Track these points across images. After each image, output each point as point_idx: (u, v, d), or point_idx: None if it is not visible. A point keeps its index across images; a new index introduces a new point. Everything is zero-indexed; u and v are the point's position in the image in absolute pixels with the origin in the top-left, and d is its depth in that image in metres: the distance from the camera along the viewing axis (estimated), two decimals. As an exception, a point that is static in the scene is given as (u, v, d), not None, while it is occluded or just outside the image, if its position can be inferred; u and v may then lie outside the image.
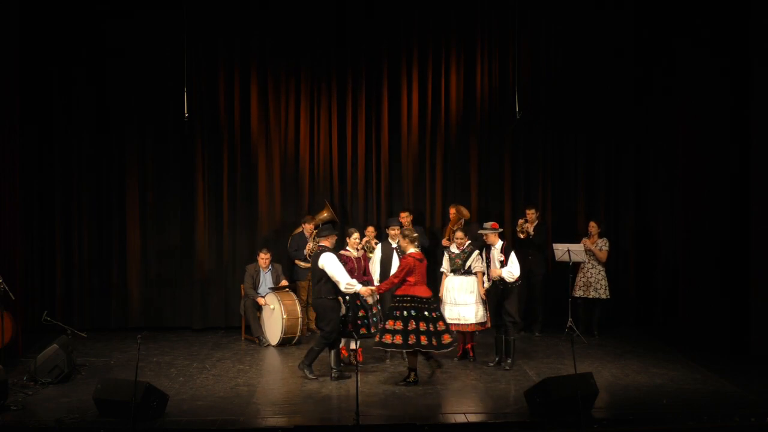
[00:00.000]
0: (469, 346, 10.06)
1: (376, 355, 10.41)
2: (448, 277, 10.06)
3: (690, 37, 10.76)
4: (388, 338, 8.98)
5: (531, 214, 11.71)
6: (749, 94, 10.38)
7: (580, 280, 11.46)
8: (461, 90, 12.31)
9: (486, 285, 9.80)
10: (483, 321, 9.93)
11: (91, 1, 11.78)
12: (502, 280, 9.58)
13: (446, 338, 9.04)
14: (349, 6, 12.13)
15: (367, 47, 12.23)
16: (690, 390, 8.89)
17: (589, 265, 11.38)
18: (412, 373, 9.17)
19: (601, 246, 11.41)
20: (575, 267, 11.50)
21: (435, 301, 9.33)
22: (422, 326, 8.94)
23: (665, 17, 11.63)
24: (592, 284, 11.35)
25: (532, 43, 12.21)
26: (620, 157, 12.36)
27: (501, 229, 9.94)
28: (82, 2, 11.76)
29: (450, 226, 11.75)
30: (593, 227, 11.54)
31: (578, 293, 11.44)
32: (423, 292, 9.06)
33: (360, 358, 9.58)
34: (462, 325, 9.87)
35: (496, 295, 9.73)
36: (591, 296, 11.36)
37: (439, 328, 9.02)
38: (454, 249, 10.08)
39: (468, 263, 9.92)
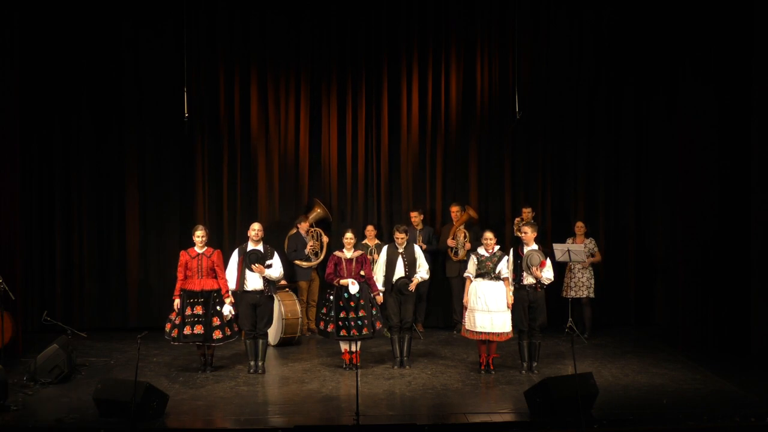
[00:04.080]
0: (491, 357, 9.62)
1: (377, 356, 10.42)
2: (476, 282, 9.49)
3: (691, 39, 10.74)
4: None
5: (527, 212, 11.71)
6: (750, 93, 10.38)
7: (570, 280, 11.45)
8: (461, 90, 12.30)
9: (511, 289, 9.47)
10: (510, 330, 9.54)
11: (91, 3, 11.77)
12: (531, 284, 9.41)
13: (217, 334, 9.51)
14: (349, 6, 12.12)
15: (367, 47, 12.23)
16: (690, 390, 8.89)
17: (578, 265, 11.36)
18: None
19: (591, 248, 11.39)
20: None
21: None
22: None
23: (666, 19, 11.61)
24: (584, 283, 11.33)
25: (532, 43, 12.21)
26: (620, 157, 12.36)
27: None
28: (83, 3, 11.75)
29: (456, 225, 11.75)
30: (580, 227, 11.52)
31: (570, 294, 11.43)
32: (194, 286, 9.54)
33: (357, 361, 9.59)
34: (493, 334, 9.42)
35: (523, 300, 9.46)
36: (583, 295, 11.33)
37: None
38: (482, 252, 9.57)
39: (499, 268, 9.47)
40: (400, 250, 9.87)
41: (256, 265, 9.51)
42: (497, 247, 9.62)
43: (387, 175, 12.36)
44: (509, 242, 11.84)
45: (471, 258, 9.66)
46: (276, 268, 9.65)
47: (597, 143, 12.37)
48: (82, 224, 12.09)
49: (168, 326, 9.57)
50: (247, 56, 12.14)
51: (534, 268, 9.36)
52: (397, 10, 12.17)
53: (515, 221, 11.86)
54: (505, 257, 9.56)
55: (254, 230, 9.69)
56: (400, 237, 9.87)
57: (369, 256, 10.60)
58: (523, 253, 9.48)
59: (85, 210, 12.09)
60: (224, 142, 12.21)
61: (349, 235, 9.83)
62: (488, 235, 9.61)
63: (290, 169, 12.30)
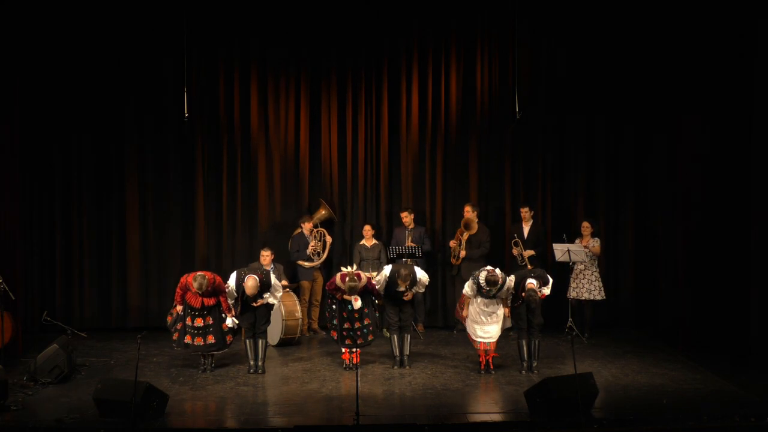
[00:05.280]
0: (490, 357, 9.65)
1: (377, 356, 10.42)
2: (474, 301, 9.55)
3: (691, 38, 10.75)
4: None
5: (525, 212, 11.70)
6: (751, 93, 10.37)
7: (573, 281, 11.43)
8: (461, 90, 12.29)
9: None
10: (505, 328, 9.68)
11: (92, 3, 11.77)
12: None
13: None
14: (349, 6, 12.12)
15: (367, 47, 12.22)
16: (690, 390, 8.89)
17: (582, 266, 11.34)
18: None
19: (593, 244, 11.38)
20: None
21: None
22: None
23: (666, 18, 11.59)
24: (585, 285, 11.31)
25: (532, 43, 12.20)
26: (620, 157, 12.35)
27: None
28: (83, 3, 11.75)
29: (459, 231, 11.73)
30: (586, 228, 11.50)
31: (572, 294, 11.41)
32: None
33: (357, 360, 9.59)
34: (492, 342, 9.55)
35: (521, 304, 9.55)
36: (584, 297, 11.32)
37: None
38: (484, 284, 9.31)
39: (498, 294, 9.46)
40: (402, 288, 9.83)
41: (256, 302, 9.63)
42: (501, 277, 9.46)
43: (387, 175, 12.35)
44: (508, 242, 11.83)
45: (470, 282, 9.54)
46: (274, 297, 9.78)
47: (597, 143, 12.35)
48: (82, 224, 12.08)
49: (169, 318, 9.69)
50: (247, 56, 12.14)
51: (533, 304, 9.45)
52: (397, 10, 12.16)
53: (514, 252, 11.65)
54: (507, 281, 9.47)
55: (249, 287, 9.52)
56: (403, 285, 9.75)
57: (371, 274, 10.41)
58: (523, 293, 9.43)
59: (85, 210, 12.08)
60: (224, 142, 12.21)
61: (350, 269, 9.76)
62: (493, 275, 9.42)
63: (290, 169, 12.30)
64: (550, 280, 9.70)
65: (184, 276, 9.70)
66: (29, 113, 11.60)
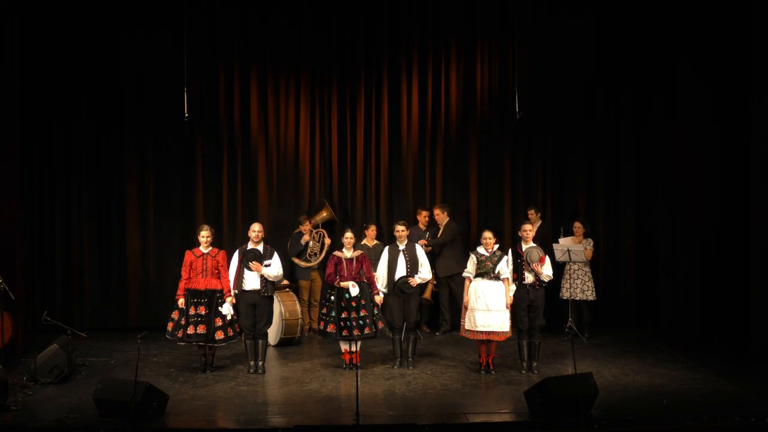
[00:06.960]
0: (491, 357, 9.59)
1: (377, 356, 10.42)
2: (475, 282, 9.47)
3: (691, 37, 10.75)
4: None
5: (531, 214, 11.69)
6: (749, 93, 10.38)
7: (566, 282, 11.42)
8: (461, 90, 12.30)
9: (512, 289, 9.46)
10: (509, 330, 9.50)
11: (91, 4, 11.77)
12: (531, 283, 9.45)
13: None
14: (349, 6, 12.13)
15: (367, 47, 12.23)
16: (690, 390, 8.89)
17: (575, 266, 11.34)
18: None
19: (585, 246, 11.38)
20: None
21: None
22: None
23: (666, 17, 11.59)
24: (579, 285, 11.30)
25: (532, 43, 12.21)
26: (620, 157, 12.36)
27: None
28: (83, 4, 11.75)
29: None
30: (578, 228, 11.49)
31: (565, 295, 11.40)
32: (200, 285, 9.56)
33: (356, 360, 9.58)
34: (493, 333, 9.41)
35: (523, 299, 9.48)
36: (578, 298, 11.31)
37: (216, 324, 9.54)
38: (482, 251, 9.55)
39: (498, 268, 9.45)
40: (401, 248, 9.85)
41: (254, 263, 9.52)
42: (496, 247, 9.62)
43: (387, 176, 12.36)
44: (508, 242, 11.84)
45: (471, 257, 9.64)
46: (274, 268, 9.66)
47: (597, 143, 12.36)
48: (82, 224, 12.09)
49: (170, 325, 9.59)
50: (247, 56, 12.15)
51: (534, 264, 9.40)
52: (397, 10, 12.17)
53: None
54: (505, 257, 9.55)
55: (254, 231, 9.71)
56: (399, 229, 9.87)
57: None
58: (522, 251, 9.50)
59: (85, 210, 12.09)
60: (224, 142, 12.22)
61: (348, 234, 9.83)
62: (487, 234, 9.60)
63: (290, 169, 12.31)
64: (549, 262, 9.66)
65: (187, 251, 9.72)
66: (29, 113, 11.61)
